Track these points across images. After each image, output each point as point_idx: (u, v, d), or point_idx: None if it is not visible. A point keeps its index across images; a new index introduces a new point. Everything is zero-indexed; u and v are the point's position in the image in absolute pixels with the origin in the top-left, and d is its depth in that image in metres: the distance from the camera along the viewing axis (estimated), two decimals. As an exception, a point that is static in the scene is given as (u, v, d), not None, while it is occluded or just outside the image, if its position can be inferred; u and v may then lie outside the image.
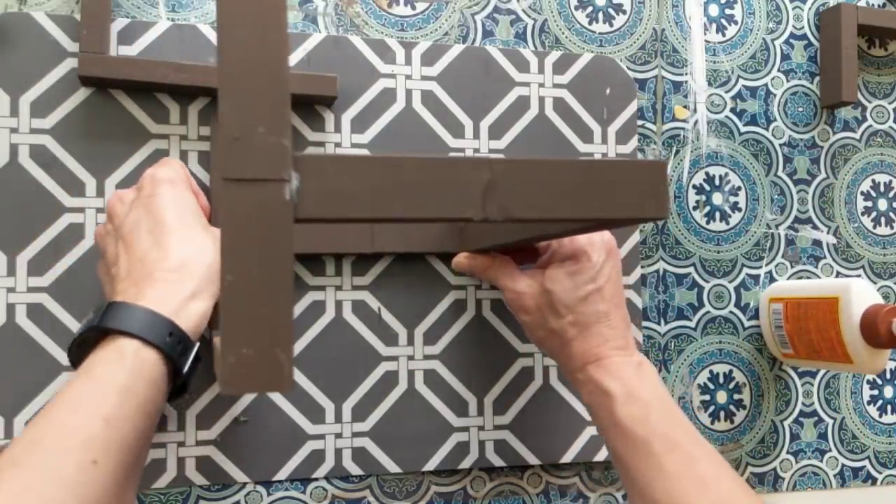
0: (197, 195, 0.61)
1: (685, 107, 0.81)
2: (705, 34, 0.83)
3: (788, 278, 0.83)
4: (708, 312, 0.81)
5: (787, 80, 0.85)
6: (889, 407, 0.86)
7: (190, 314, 0.52)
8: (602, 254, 0.60)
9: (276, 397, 0.69)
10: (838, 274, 0.85)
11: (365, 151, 0.72)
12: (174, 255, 0.53)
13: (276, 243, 0.34)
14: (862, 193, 0.86)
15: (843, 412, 0.84)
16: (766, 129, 0.84)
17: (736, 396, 0.81)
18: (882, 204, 0.87)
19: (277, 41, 0.34)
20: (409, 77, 0.73)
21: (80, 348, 0.51)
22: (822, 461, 0.83)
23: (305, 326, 0.70)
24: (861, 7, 0.84)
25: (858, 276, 0.85)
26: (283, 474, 0.68)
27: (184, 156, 0.68)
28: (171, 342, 0.50)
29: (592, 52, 0.79)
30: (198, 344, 0.53)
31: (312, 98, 0.70)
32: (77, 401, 0.45)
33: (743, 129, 0.83)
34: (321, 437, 0.69)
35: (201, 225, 0.57)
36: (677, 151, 0.80)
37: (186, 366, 0.52)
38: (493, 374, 0.74)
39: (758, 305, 0.82)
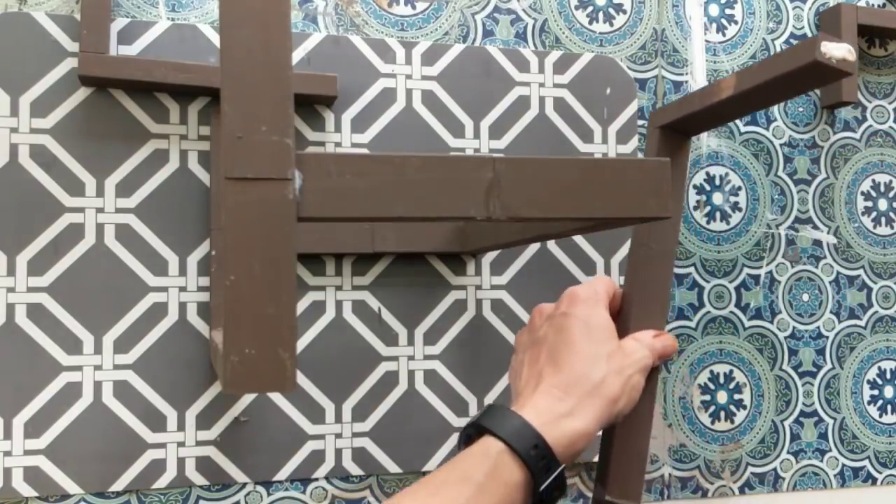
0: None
1: (685, 107, 0.81)
2: (705, 34, 0.83)
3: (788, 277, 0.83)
4: (708, 312, 0.81)
5: (787, 80, 0.85)
6: (889, 407, 0.86)
7: (563, 431, 0.52)
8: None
9: (277, 397, 0.68)
10: (839, 274, 0.85)
11: (365, 151, 0.72)
12: (564, 372, 0.54)
13: (278, 242, 0.34)
14: (862, 193, 0.86)
15: (843, 412, 0.84)
16: (767, 128, 0.84)
17: (736, 396, 0.81)
18: (882, 204, 0.87)
19: (280, 40, 0.34)
20: (409, 77, 0.73)
21: (465, 442, 0.53)
22: (822, 461, 0.83)
23: (306, 326, 0.69)
24: (861, 7, 0.84)
25: (858, 275, 0.85)
26: (283, 474, 0.68)
27: (184, 155, 0.68)
28: (534, 455, 0.50)
29: (593, 51, 0.79)
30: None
31: (312, 98, 0.70)
32: (439, 485, 0.49)
33: (743, 128, 0.83)
34: (321, 437, 0.69)
35: (608, 343, 0.57)
36: (677, 151, 0.80)
37: (544, 484, 0.50)
38: (493, 375, 0.74)
39: (759, 306, 0.82)
